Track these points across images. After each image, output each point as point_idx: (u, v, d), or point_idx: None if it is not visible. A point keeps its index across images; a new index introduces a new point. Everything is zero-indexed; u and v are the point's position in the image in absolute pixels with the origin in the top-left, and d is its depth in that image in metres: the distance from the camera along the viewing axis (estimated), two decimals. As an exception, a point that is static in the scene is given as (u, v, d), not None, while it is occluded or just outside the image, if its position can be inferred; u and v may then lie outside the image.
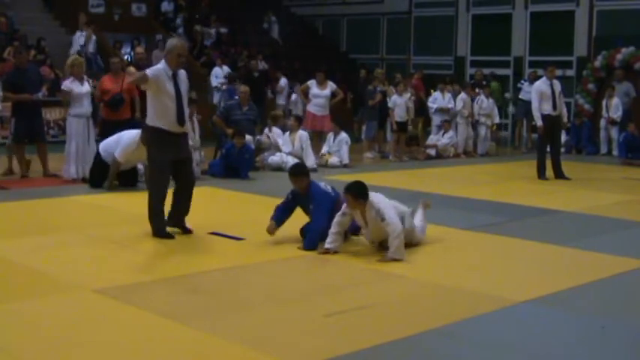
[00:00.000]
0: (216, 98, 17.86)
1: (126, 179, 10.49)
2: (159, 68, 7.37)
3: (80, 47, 19.93)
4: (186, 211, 7.64)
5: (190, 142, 8.25)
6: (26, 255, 6.73)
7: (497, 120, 17.07)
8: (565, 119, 13.20)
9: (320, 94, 14.35)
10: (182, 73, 7.50)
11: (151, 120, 7.40)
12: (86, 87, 11.13)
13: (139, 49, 14.39)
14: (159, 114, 7.30)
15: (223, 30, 22.53)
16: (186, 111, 7.51)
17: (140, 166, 10.58)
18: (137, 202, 9.60)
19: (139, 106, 11.49)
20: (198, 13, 23.22)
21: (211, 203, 9.77)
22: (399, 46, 25.03)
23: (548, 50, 20.65)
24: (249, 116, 12.88)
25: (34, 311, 5.23)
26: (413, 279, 6.31)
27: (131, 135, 10.04)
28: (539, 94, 12.50)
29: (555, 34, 21.23)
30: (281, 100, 19.43)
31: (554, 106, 12.43)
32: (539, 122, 12.55)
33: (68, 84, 11.06)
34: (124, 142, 10.03)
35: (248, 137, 12.29)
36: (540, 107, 12.47)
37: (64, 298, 5.56)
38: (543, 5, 21.70)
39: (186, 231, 7.61)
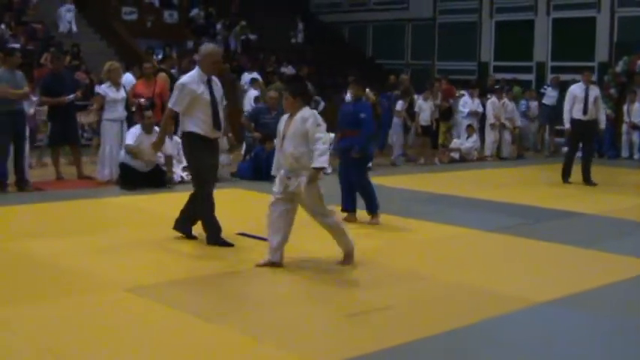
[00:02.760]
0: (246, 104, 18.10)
1: (154, 181, 10.77)
2: (192, 75, 7.34)
3: (68, 24, 20.07)
4: (195, 217, 7.49)
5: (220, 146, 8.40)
6: (60, 255, 6.80)
7: (518, 123, 17.23)
8: (602, 126, 12.88)
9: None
10: (215, 78, 7.43)
11: (187, 126, 7.25)
12: (122, 93, 11.44)
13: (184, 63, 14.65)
14: (195, 120, 7.19)
15: (252, 36, 22.84)
16: (222, 115, 7.43)
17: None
18: (168, 203, 9.74)
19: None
20: (228, 19, 23.54)
21: (239, 205, 9.95)
22: (424, 52, 25.15)
23: (569, 56, 20.72)
24: (277, 121, 13.07)
25: (68, 310, 5.28)
26: (436, 280, 6.37)
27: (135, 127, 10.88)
28: (572, 97, 12.45)
29: (577, 40, 21.28)
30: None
31: (585, 111, 12.33)
32: (566, 125, 12.55)
33: (104, 88, 11.38)
34: (130, 132, 10.78)
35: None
36: (571, 110, 12.40)
37: (97, 297, 5.60)
38: (565, 12, 21.76)
39: (191, 237, 7.50)
